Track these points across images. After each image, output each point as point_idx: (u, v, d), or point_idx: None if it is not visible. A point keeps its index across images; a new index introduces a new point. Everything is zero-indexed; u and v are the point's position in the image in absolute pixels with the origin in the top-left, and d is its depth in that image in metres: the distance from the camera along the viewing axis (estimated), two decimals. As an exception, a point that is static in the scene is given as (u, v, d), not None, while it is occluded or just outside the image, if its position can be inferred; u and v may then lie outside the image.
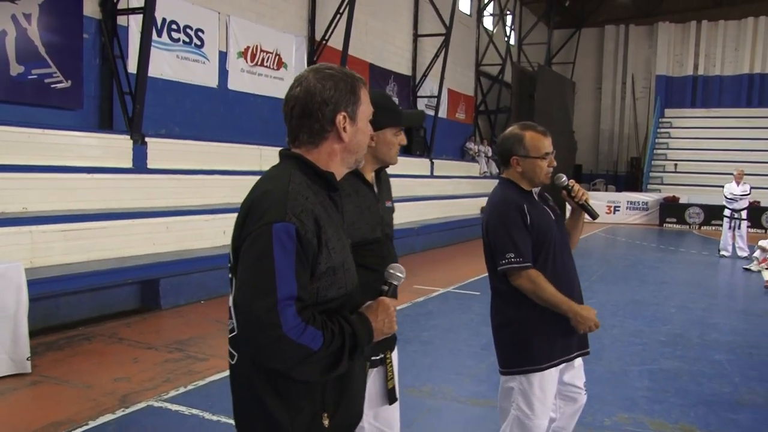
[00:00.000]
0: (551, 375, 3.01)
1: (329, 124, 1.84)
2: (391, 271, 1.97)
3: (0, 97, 8.10)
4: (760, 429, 4.52)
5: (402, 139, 2.59)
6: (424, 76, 18.78)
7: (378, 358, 2.59)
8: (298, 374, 1.70)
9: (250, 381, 1.77)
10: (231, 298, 1.78)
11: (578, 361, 3.18)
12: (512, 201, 2.98)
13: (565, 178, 3.11)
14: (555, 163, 3.05)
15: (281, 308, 1.62)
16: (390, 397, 2.65)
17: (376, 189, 2.63)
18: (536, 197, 3.09)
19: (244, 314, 1.67)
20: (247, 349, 1.75)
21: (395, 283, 1.96)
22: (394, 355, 2.72)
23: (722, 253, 13.89)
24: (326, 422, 1.79)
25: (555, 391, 3.10)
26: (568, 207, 3.31)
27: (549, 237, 2.99)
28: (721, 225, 14.56)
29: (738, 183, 13.61)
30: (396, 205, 2.83)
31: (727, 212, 13.83)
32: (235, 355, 1.81)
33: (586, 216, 3.25)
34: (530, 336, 2.96)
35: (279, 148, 1.94)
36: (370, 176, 2.62)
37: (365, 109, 1.91)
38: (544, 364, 2.97)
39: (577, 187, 3.15)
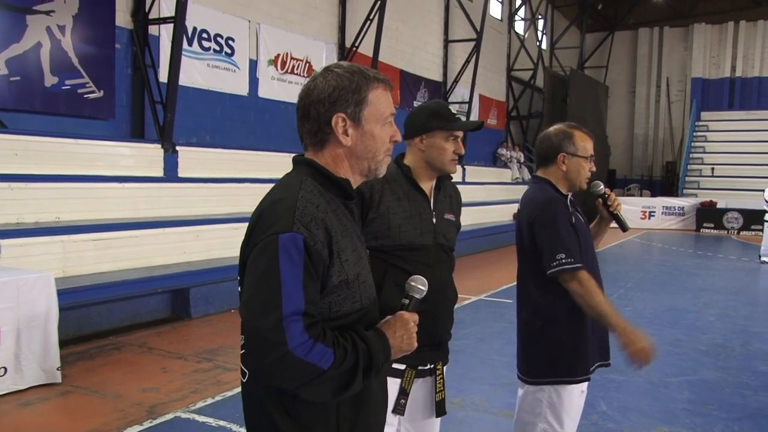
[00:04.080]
0: (581, 388, 2.91)
1: (326, 125, 1.72)
2: (412, 283, 1.83)
3: (35, 108, 8.18)
4: (810, 445, 4.34)
5: (458, 147, 2.55)
6: (455, 82, 18.62)
7: (427, 368, 2.56)
8: (306, 394, 1.59)
9: (261, 401, 1.68)
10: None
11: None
12: (558, 199, 2.86)
13: (602, 186, 3.02)
14: (595, 168, 2.94)
15: (287, 324, 1.51)
16: (438, 409, 2.62)
17: (432, 198, 2.62)
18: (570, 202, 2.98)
19: (248, 331, 1.57)
20: (252, 368, 1.64)
21: (416, 296, 1.82)
22: (446, 369, 2.69)
23: (763, 258, 13.53)
24: None
25: (582, 405, 2.99)
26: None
27: (586, 244, 2.89)
28: (761, 230, 14.24)
29: (779, 187, 13.29)
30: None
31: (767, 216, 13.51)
32: (246, 372, 1.69)
33: (612, 224, 3.19)
34: (565, 347, 2.84)
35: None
36: (427, 185, 2.62)
37: (375, 111, 1.74)
38: (579, 377, 2.86)
39: (613, 196, 3.06)
